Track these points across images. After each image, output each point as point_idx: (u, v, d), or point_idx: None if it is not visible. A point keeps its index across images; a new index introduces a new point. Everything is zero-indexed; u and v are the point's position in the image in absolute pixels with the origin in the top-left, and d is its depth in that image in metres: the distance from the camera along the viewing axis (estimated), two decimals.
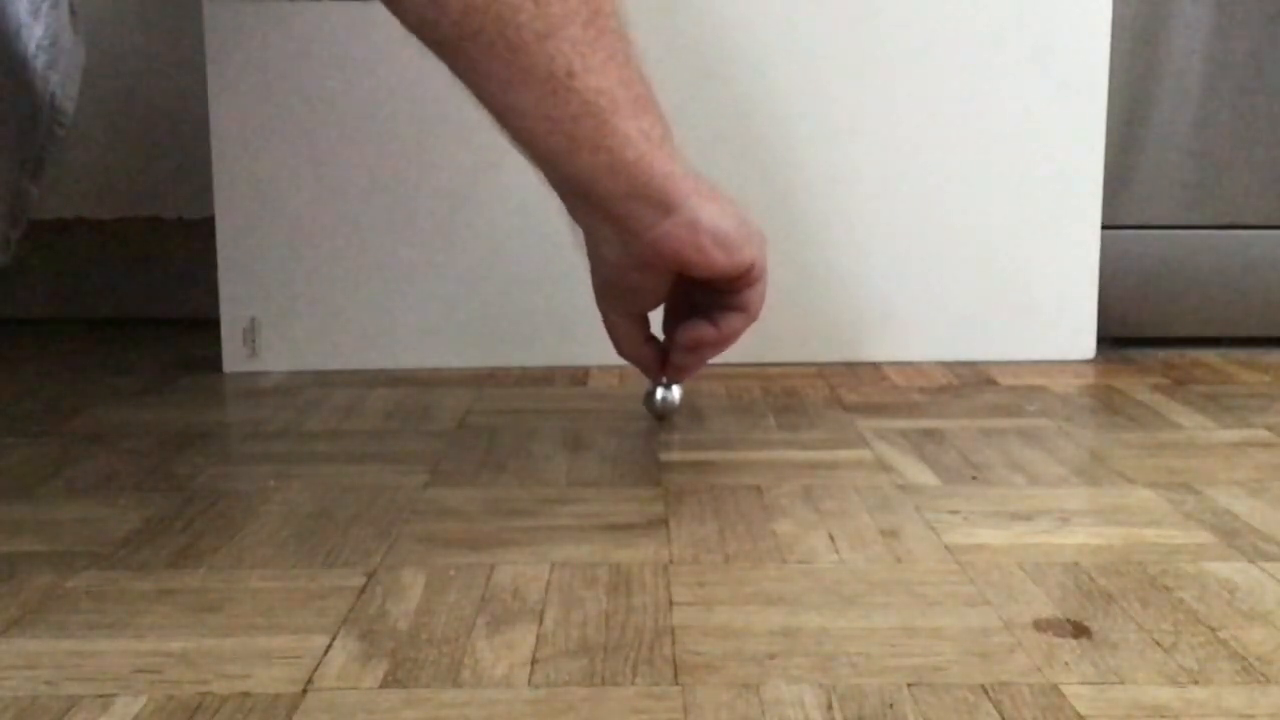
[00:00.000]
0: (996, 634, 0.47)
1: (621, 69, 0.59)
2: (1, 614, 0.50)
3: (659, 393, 0.77)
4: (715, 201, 0.64)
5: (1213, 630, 0.48)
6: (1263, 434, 0.76)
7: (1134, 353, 0.98)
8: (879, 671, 0.44)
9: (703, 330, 0.70)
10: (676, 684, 0.44)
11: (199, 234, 1.01)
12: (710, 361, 0.73)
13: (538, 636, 0.48)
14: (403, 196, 0.93)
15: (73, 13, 0.59)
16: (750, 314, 0.69)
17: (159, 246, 1.16)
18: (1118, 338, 0.99)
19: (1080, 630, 0.48)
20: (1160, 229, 0.98)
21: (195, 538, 0.59)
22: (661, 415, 0.79)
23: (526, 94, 0.58)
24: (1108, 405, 0.83)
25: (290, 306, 0.94)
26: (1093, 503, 0.63)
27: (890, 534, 0.58)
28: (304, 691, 0.43)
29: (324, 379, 0.92)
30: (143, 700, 0.43)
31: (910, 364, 0.95)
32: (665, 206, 0.62)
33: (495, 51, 0.57)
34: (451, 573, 0.54)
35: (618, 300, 0.69)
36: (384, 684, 0.44)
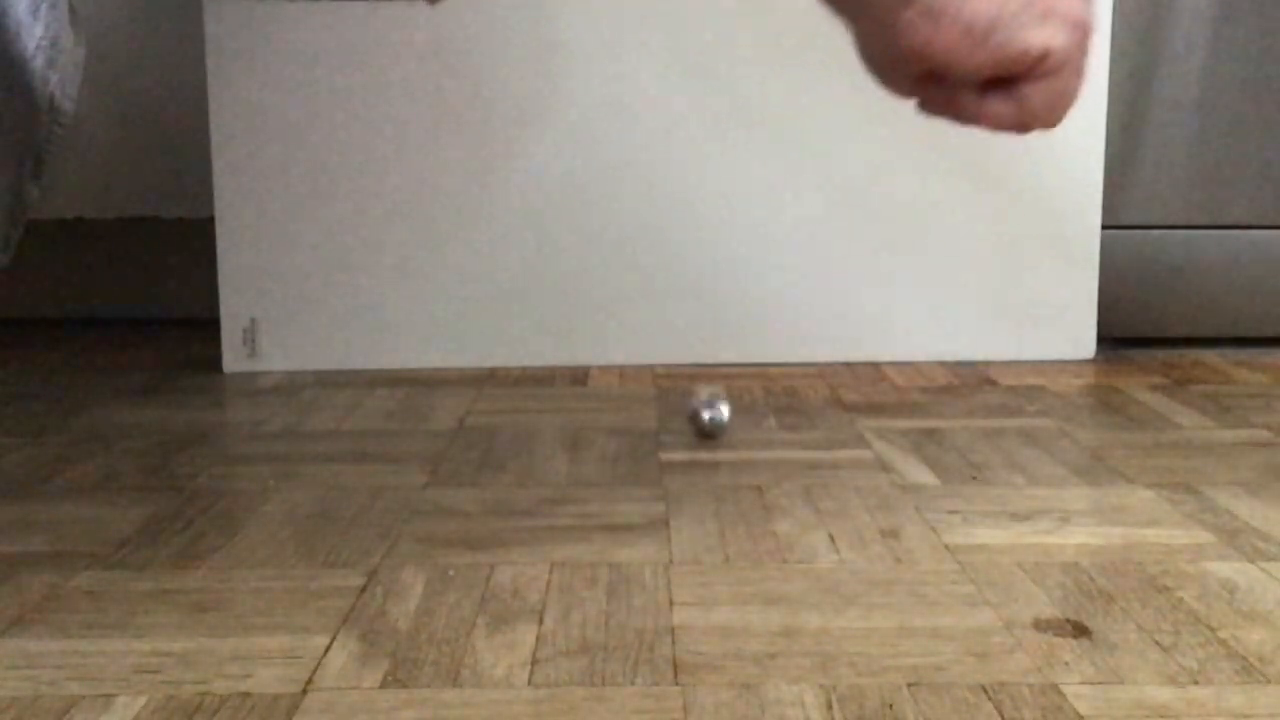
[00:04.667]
0: (996, 634, 0.47)
1: None
2: (2, 614, 0.50)
3: (705, 413, 0.74)
4: None
5: (1213, 630, 0.48)
6: (1263, 434, 0.76)
7: (1134, 353, 0.98)
8: (879, 671, 0.44)
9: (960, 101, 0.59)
10: (676, 684, 0.44)
11: (199, 234, 1.01)
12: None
13: (538, 636, 0.48)
14: (403, 197, 0.93)
15: (73, 13, 0.59)
16: (1023, 113, 0.58)
17: (159, 246, 1.16)
18: (1118, 338, 0.99)
19: (1080, 630, 0.48)
20: (1160, 229, 0.98)
21: (195, 538, 0.59)
22: (710, 435, 0.75)
23: None
24: (1108, 405, 0.83)
25: (290, 306, 0.94)
26: (1093, 503, 0.63)
27: (890, 534, 0.58)
28: (304, 691, 0.43)
29: (324, 379, 0.92)
30: (143, 700, 0.43)
31: (910, 364, 0.95)
32: None
33: None
34: (451, 573, 0.54)
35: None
36: (384, 684, 0.44)
